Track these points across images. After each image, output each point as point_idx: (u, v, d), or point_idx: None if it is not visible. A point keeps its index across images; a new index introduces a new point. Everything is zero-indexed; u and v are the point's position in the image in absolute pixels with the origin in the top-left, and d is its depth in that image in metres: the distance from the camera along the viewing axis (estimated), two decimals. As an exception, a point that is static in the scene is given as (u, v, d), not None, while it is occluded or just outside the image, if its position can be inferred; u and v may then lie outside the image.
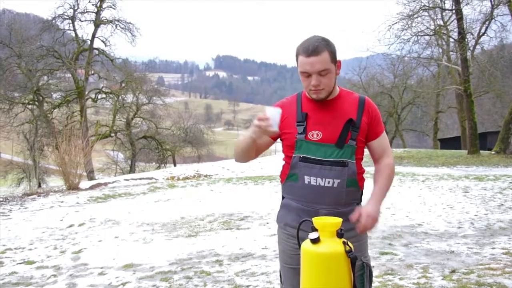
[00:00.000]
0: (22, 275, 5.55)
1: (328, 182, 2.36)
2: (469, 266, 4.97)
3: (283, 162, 2.55)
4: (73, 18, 31.98)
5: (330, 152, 2.36)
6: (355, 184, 2.42)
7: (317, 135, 2.38)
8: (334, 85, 2.41)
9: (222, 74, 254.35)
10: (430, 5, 24.91)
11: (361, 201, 2.53)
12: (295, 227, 2.29)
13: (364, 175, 2.49)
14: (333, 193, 2.36)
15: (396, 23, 24.02)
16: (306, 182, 2.38)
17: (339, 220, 2.07)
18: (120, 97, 33.96)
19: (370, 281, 2.33)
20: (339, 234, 2.06)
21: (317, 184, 2.36)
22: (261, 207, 9.08)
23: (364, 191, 2.51)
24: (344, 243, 2.03)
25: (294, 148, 2.42)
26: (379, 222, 2.32)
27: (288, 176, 2.47)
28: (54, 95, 33.86)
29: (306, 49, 2.29)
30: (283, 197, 2.57)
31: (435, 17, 27.98)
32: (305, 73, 2.33)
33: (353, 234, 2.36)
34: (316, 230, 2.06)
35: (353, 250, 2.04)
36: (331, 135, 2.38)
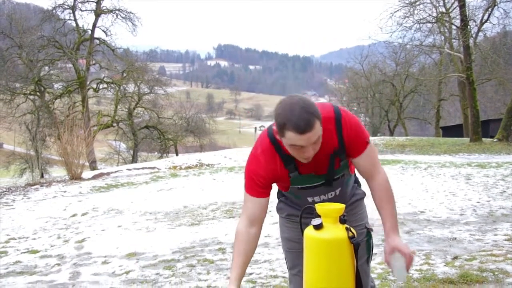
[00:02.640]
0: (26, 264, 5.58)
1: (331, 194, 2.40)
2: (471, 252, 4.98)
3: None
4: (73, 8, 31.83)
5: (326, 175, 2.37)
6: (351, 177, 2.50)
7: (310, 172, 2.34)
8: None
9: (223, 63, 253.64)
10: (432, -8, 24.75)
11: (358, 182, 2.61)
12: (298, 215, 2.30)
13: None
14: (338, 199, 2.38)
15: (398, 10, 23.92)
16: (310, 200, 2.40)
17: (342, 206, 2.07)
18: (121, 87, 33.90)
19: (373, 247, 2.49)
20: (342, 220, 2.06)
21: (321, 200, 2.40)
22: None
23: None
24: (347, 229, 2.03)
25: (290, 184, 2.37)
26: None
27: (289, 193, 2.48)
28: (56, 86, 33.84)
29: (297, 126, 2.01)
30: (282, 194, 2.60)
31: (437, 4, 27.76)
32: (296, 146, 2.09)
33: (353, 206, 2.49)
34: (319, 216, 2.06)
35: (355, 235, 2.05)
36: (322, 170, 2.33)
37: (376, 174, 2.37)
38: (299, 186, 2.37)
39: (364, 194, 2.58)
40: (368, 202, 2.48)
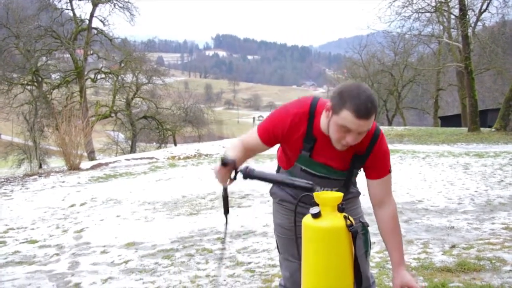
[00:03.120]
0: (25, 254, 5.59)
1: (328, 190, 2.38)
2: (469, 241, 5.00)
3: (280, 153, 2.55)
4: (70, -3, 31.66)
5: (333, 172, 2.35)
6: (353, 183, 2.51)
7: (322, 161, 2.33)
8: None
9: (222, 53, 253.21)
10: (431, -19, 24.65)
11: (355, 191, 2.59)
12: (292, 202, 2.31)
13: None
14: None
15: (396, 0, 23.81)
16: None
17: (340, 194, 2.07)
18: (119, 77, 33.79)
19: (370, 242, 2.52)
20: (340, 209, 2.07)
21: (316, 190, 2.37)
22: (262, 185, 9.09)
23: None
24: (345, 217, 2.03)
25: (296, 158, 2.36)
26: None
27: (289, 171, 2.46)
28: (53, 76, 33.69)
29: (358, 109, 2.03)
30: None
31: (436, -6, 27.72)
32: (345, 128, 2.10)
33: (350, 200, 2.47)
34: (317, 205, 2.06)
35: (354, 223, 2.05)
36: (335, 165, 2.33)
37: (387, 204, 2.36)
38: (303, 168, 2.35)
39: (359, 193, 2.57)
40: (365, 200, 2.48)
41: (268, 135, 2.35)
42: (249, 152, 2.39)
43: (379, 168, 2.33)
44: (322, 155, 2.30)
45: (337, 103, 2.09)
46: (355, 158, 2.31)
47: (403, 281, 2.23)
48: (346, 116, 2.05)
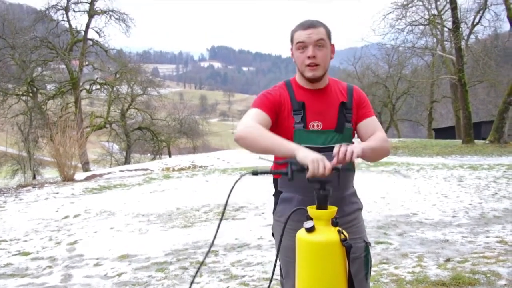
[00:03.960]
0: (17, 266, 5.55)
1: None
2: (463, 254, 5.00)
3: (275, 158, 2.45)
4: (66, 9, 31.73)
5: (331, 137, 2.34)
6: (352, 166, 2.42)
7: (318, 125, 2.33)
8: (328, 67, 2.37)
9: (217, 64, 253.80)
10: (425, -5, 24.88)
11: (352, 184, 2.54)
12: (299, 220, 2.15)
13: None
14: (337, 179, 2.26)
15: (390, 12, 24.07)
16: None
17: (334, 208, 2.07)
18: (114, 88, 33.82)
19: (371, 261, 2.44)
20: (334, 223, 2.06)
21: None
22: (257, 197, 9.09)
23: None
24: (339, 231, 2.03)
25: (292, 139, 2.31)
26: (358, 155, 2.11)
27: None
28: (48, 86, 33.68)
29: (303, 24, 2.33)
30: (280, 192, 2.46)
31: (430, 7, 27.97)
32: (301, 43, 2.30)
33: (352, 217, 2.40)
34: (311, 218, 2.06)
35: (348, 238, 2.04)
36: (330, 122, 2.35)
37: (379, 133, 2.41)
38: (303, 146, 2.27)
39: (362, 205, 2.54)
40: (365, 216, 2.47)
41: (268, 101, 2.34)
42: (261, 124, 2.28)
43: (364, 110, 2.45)
44: (314, 113, 2.34)
45: (290, 37, 2.38)
46: (342, 105, 2.38)
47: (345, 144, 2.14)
48: (297, 34, 2.32)
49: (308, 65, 2.30)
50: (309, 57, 2.28)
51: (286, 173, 2.07)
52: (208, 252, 2.47)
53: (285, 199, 2.43)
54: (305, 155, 2.04)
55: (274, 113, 2.33)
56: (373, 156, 2.31)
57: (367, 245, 2.41)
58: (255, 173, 2.13)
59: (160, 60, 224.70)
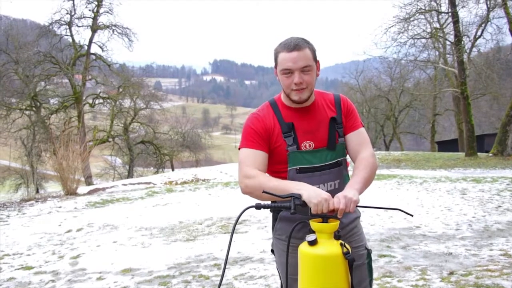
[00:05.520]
0: (20, 280, 5.54)
1: (331, 186, 2.35)
2: (467, 267, 4.98)
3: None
4: (70, 24, 31.96)
5: (325, 155, 2.34)
6: (348, 177, 2.42)
7: (310, 145, 2.33)
8: (314, 86, 2.34)
9: (219, 78, 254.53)
10: (426, 8, 25.03)
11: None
12: (302, 238, 2.14)
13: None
14: (336, 193, 2.21)
15: (392, 26, 24.14)
16: None
17: (336, 222, 2.07)
18: (117, 102, 33.94)
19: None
20: (336, 236, 2.06)
21: None
22: (259, 211, 9.06)
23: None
24: (341, 244, 2.03)
25: (287, 162, 2.33)
26: (357, 202, 2.11)
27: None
28: (52, 101, 33.82)
29: (287, 45, 2.24)
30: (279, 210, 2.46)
31: (432, 20, 28.15)
32: (286, 70, 2.24)
33: (353, 226, 2.42)
34: (313, 232, 2.06)
35: (350, 251, 2.04)
36: (321, 140, 2.34)
37: (364, 150, 2.38)
38: (298, 168, 2.31)
39: (360, 213, 2.55)
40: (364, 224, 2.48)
41: (256, 136, 2.33)
42: (260, 167, 2.29)
43: (352, 122, 2.42)
44: (304, 132, 2.33)
45: (274, 57, 2.31)
46: (332, 120, 2.36)
47: (341, 193, 2.10)
48: (282, 57, 2.25)
49: (295, 90, 2.27)
50: (295, 83, 2.25)
51: (289, 207, 2.08)
52: (223, 273, 2.46)
53: (284, 217, 2.44)
54: (309, 195, 2.04)
55: (265, 144, 2.33)
56: (368, 186, 2.30)
57: (369, 252, 2.43)
58: (258, 207, 2.13)
59: (163, 74, 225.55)
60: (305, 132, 2.33)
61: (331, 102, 2.42)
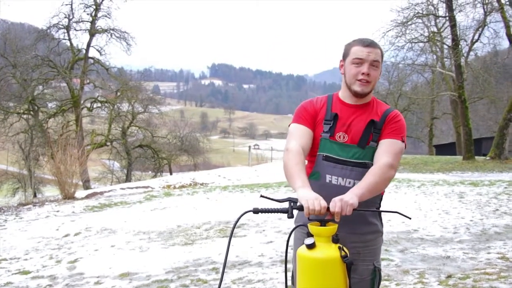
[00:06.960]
0: (18, 285, 5.53)
1: (349, 183, 2.38)
2: (465, 271, 4.99)
3: (307, 162, 2.54)
4: (68, 28, 31.96)
5: (353, 153, 2.41)
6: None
7: (343, 137, 2.42)
8: (375, 86, 2.48)
9: (217, 82, 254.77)
10: (424, 13, 25.08)
11: (380, 205, 2.53)
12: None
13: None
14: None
15: (390, 30, 24.18)
16: (328, 180, 2.41)
17: (334, 226, 2.08)
18: (115, 106, 33.90)
19: (379, 285, 2.44)
20: (335, 240, 2.07)
21: (338, 183, 2.39)
22: (258, 214, 9.05)
23: (384, 196, 2.52)
24: (339, 248, 2.04)
25: (318, 147, 2.46)
26: (354, 206, 2.09)
27: (310, 175, 2.45)
28: (49, 105, 33.81)
29: (363, 40, 2.42)
30: None
31: (429, 24, 28.20)
32: (358, 59, 2.38)
33: (370, 238, 2.44)
34: (311, 235, 2.07)
35: (348, 255, 2.05)
36: (355, 136, 2.42)
37: (384, 158, 2.35)
38: (324, 155, 2.41)
39: (381, 231, 2.53)
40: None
41: (306, 114, 2.50)
42: (306, 143, 2.44)
43: (391, 131, 2.43)
44: (343, 124, 2.43)
45: (345, 50, 2.47)
46: (371, 122, 2.42)
47: (338, 197, 2.11)
48: (355, 49, 2.41)
49: (360, 80, 2.39)
50: (363, 73, 2.37)
51: (286, 211, 2.11)
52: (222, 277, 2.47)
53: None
54: (302, 194, 2.11)
55: (312, 123, 2.48)
56: (374, 193, 2.29)
57: (375, 269, 2.41)
58: (256, 211, 2.16)
59: (161, 78, 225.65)
60: (343, 124, 2.44)
61: (382, 110, 2.49)
